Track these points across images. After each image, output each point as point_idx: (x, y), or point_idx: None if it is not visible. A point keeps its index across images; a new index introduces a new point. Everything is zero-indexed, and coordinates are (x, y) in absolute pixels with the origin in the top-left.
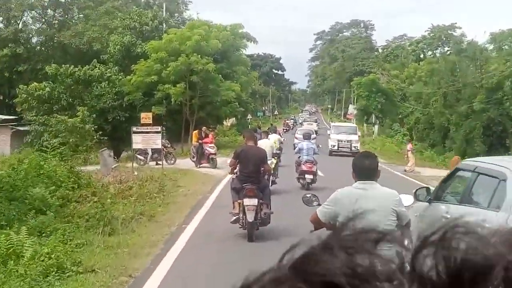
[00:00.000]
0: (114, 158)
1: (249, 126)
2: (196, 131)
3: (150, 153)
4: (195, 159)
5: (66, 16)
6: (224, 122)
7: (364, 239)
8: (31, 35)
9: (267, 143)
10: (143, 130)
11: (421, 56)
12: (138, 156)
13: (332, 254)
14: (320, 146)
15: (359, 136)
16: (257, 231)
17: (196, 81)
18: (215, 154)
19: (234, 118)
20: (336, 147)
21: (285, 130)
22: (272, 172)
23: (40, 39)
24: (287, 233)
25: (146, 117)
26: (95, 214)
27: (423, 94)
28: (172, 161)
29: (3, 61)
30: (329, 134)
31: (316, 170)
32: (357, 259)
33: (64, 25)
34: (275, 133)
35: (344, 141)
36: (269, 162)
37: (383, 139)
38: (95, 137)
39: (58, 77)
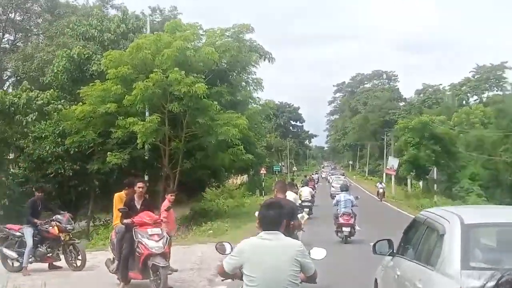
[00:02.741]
0: None
1: (262, 183)
2: (120, 194)
3: (30, 244)
4: (115, 265)
5: (16, 36)
6: (237, 179)
7: None
8: None
9: (290, 196)
10: None
11: (464, 102)
12: (5, 252)
13: None
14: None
15: None
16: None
17: (178, 111)
18: (164, 255)
19: (246, 175)
20: None
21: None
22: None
23: None
24: None
25: None
26: None
27: (485, 143)
28: (77, 263)
29: None
30: None
31: (354, 222)
32: None
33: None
34: (307, 185)
35: None
36: (299, 216)
37: (446, 202)
38: None
39: None
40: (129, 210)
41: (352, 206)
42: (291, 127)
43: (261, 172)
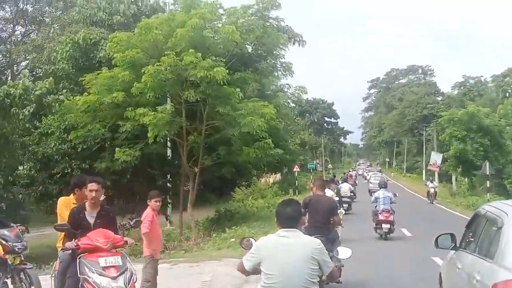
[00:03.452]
0: None
1: (296, 181)
2: (66, 198)
3: None
4: None
5: (27, 27)
6: (270, 178)
7: None
8: None
9: (328, 193)
10: None
11: (507, 94)
12: None
13: None
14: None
15: None
16: (327, 285)
17: (195, 100)
18: None
19: (279, 174)
20: None
21: None
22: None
23: None
24: None
25: None
26: None
27: None
28: None
29: None
30: None
31: (394, 219)
32: None
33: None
34: (346, 182)
35: None
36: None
37: (499, 200)
38: None
39: None
40: (76, 226)
41: (390, 203)
42: (325, 124)
43: (295, 170)
